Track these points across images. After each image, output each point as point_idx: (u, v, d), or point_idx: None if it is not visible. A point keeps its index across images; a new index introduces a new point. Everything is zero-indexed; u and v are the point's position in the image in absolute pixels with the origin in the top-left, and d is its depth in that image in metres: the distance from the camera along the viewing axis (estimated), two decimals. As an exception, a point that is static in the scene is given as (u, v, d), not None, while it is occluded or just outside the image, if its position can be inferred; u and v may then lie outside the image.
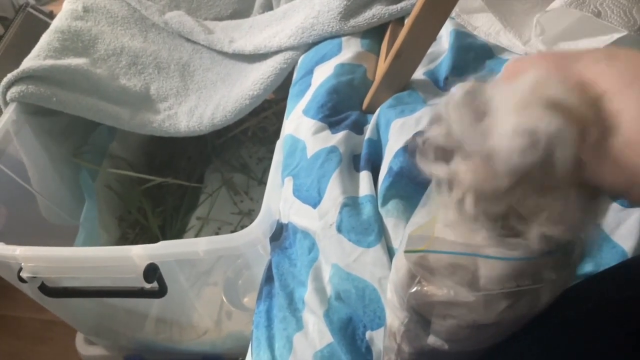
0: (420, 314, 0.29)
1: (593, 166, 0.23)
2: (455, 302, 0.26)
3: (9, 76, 0.73)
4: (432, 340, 0.30)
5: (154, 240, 0.91)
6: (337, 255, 0.46)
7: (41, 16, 1.27)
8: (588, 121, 0.22)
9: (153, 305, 0.73)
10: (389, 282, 0.32)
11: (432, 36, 0.52)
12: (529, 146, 0.22)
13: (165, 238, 0.92)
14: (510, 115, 0.23)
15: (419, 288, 0.27)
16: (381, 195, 0.46)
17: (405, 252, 0.27)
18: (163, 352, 0.83)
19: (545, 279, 0.25)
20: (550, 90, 0.23)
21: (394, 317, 0.31)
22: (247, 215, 0.96)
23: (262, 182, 1.00)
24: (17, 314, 1.11)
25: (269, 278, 0.54)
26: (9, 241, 0.61)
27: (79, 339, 0.90)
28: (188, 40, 0.88)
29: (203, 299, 0.78)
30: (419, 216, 0.30)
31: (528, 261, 0.24)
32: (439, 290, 0.26)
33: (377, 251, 0.44)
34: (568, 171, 0.22)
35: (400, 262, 0.29)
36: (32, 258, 0.59)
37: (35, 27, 1.24)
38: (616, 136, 0.22)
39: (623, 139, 0.22)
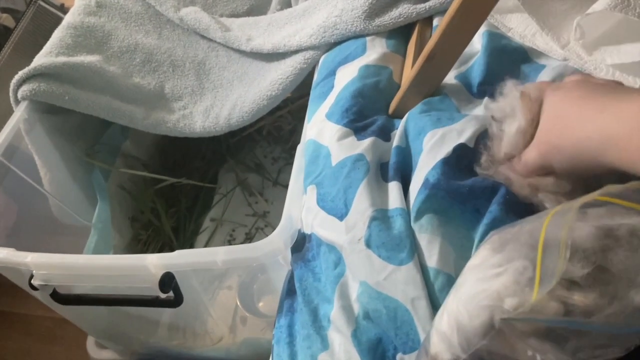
0: (483, 359, 0.27)
1: None
2: None
3: (21, 74, 0.71)
4: None
5: (166, 241, 0.90)
6: (366, 272, 0.43)
7: (52, 9, 1.25)
8: None
9: (166, 312, 0.72)
10: (446, 314, 0.30)
11: (469, 38, 0.49)
12: None
13: (178, 239, 0.90)
14: None
15: (499, 341, 0.25)
16: (415, 209, 0.43)
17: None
18: (176, 358, 0.81)
19: None
20: None
21: (445, 349, 0.29)
22: (262, 217, 0.94)
23: (277, 183, 0.97)
24: (28, 312, 1.10)
25: (290, 291, 0.51)
26: (19, 241, 0.60)
27: (90, 342, 0.88)
28: (204, 37, 0.85)
29: (217, 303, 0.76)
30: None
31: None
32: (523, 352, 0.24)
33: (410, 269, 0.41)
34: None
35: (478, 311, 0.26)
36: (44, 265, 0.57)
37: (46, 20, 1.22)
38: None
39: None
